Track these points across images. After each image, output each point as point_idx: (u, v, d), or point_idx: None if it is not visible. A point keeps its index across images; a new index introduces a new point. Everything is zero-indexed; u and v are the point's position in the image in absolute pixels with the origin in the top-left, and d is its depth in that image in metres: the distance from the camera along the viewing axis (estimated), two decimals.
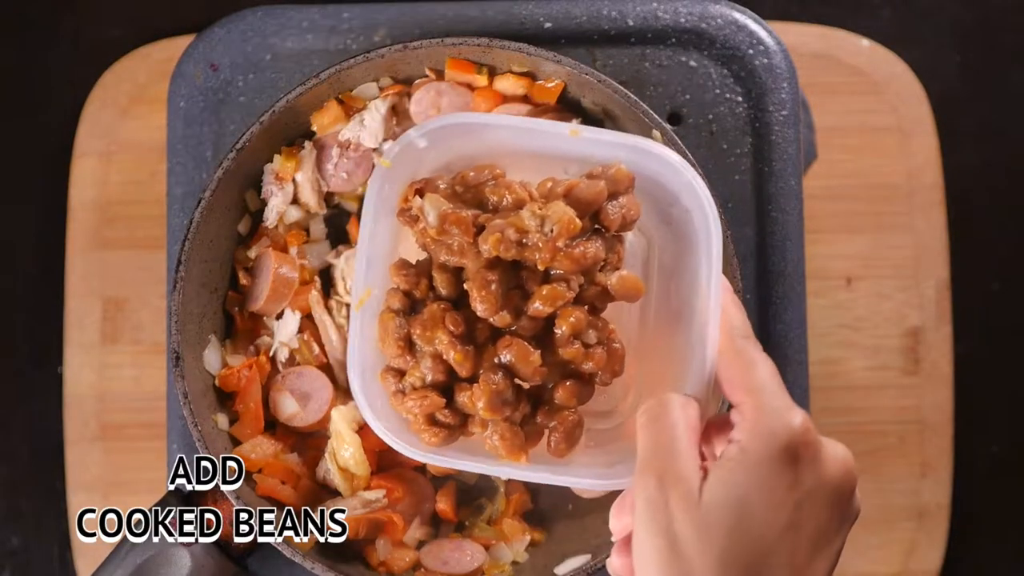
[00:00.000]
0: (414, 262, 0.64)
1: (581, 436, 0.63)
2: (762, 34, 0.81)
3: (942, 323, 1.02)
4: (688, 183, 0.61)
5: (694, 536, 0.49)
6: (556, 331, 0.60)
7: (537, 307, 0.59)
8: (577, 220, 0.58)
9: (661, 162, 0.61)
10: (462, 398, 0.61)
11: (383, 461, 0.79)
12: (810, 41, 1.04)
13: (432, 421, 0.62)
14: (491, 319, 0.60)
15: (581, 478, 0.61)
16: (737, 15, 0.81)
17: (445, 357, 0.60)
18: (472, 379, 0.61)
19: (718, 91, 0.81)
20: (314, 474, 0.78)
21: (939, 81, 1.07)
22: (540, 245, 0.58)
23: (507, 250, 0.58)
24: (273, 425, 0.78)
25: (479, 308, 0.59)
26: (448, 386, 0.62)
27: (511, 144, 0.64)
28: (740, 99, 0.81)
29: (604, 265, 0.61)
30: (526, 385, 0.62)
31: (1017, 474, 1.09)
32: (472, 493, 0.81)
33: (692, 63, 0.81)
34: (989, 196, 1.11)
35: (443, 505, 0.79)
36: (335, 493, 0.78)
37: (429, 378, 0.61)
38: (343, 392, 0.79)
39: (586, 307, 0.61)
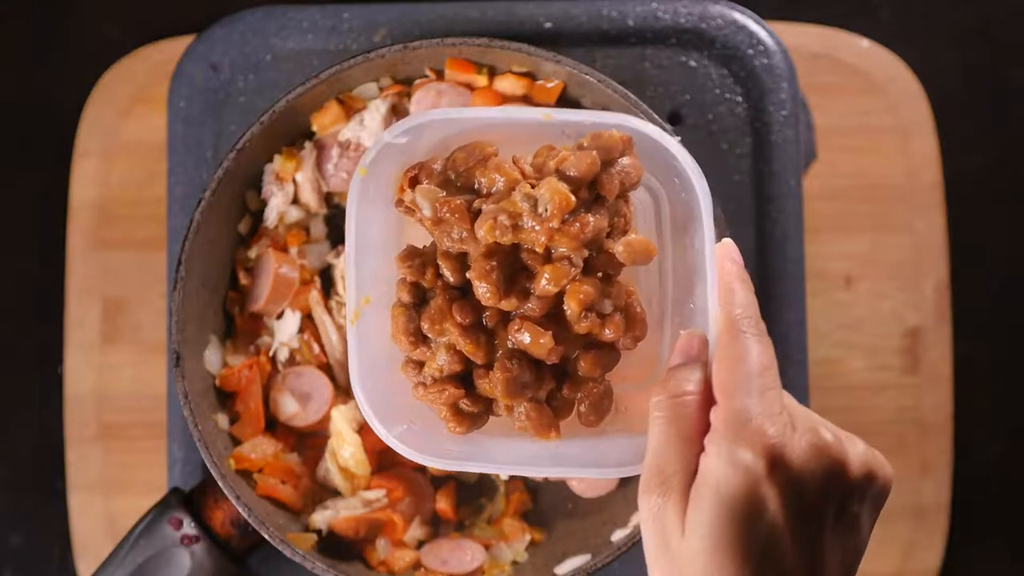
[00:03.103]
0: (422, 247, 0.62)
1: (611, 405, 0.61)
2: (762, 34, 0.81)
3: (942, 323, 1.02)
4: (671, 155, 0.58)
5: (688, 562, 0.49)
6: (566, 309, 0.58)
7: (543, 287, 0.57)
8: (570, 196, 0.56)
9: (640, 135, 0.59)
10: (482, 384, 0.60)
11: (383, 461, 0.79)
12: (810, 41, 1.04)
13: (456, 410, 0.60)
14: (497, 305, 0.58)
15: (603, 468, 0.59)
16: (737, 15, 0.81)
17: (459, 348, 0.59)
18: (489, 365, 0.59)
19: (718, 91, 0.81)
20: (314, 474, 0.78)
21: (939, 81, 1.07)
22: (536, 227, 0.56)
23: (503, 235, 0.56)
24: (273, 425, 0.78)
25: (483, 296, 0.57)
26: (468, 373, 0.60)
27: (495, 133, 0.62)
28: (740, 99, 0.81)
29: (611, 231, 0.59)
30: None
31: (1017, 474, 1.09)
32: (472, 493, 0.81)
33: (692, 63, 0.81)
34: (989, 196, 1.11)
35: (443, 505, 0.79)
36: (335, 493, 0.78)
37: (446, 369, 0.59)
38: (343, 392, 0.79)
39: (599, 275, 0.59)
